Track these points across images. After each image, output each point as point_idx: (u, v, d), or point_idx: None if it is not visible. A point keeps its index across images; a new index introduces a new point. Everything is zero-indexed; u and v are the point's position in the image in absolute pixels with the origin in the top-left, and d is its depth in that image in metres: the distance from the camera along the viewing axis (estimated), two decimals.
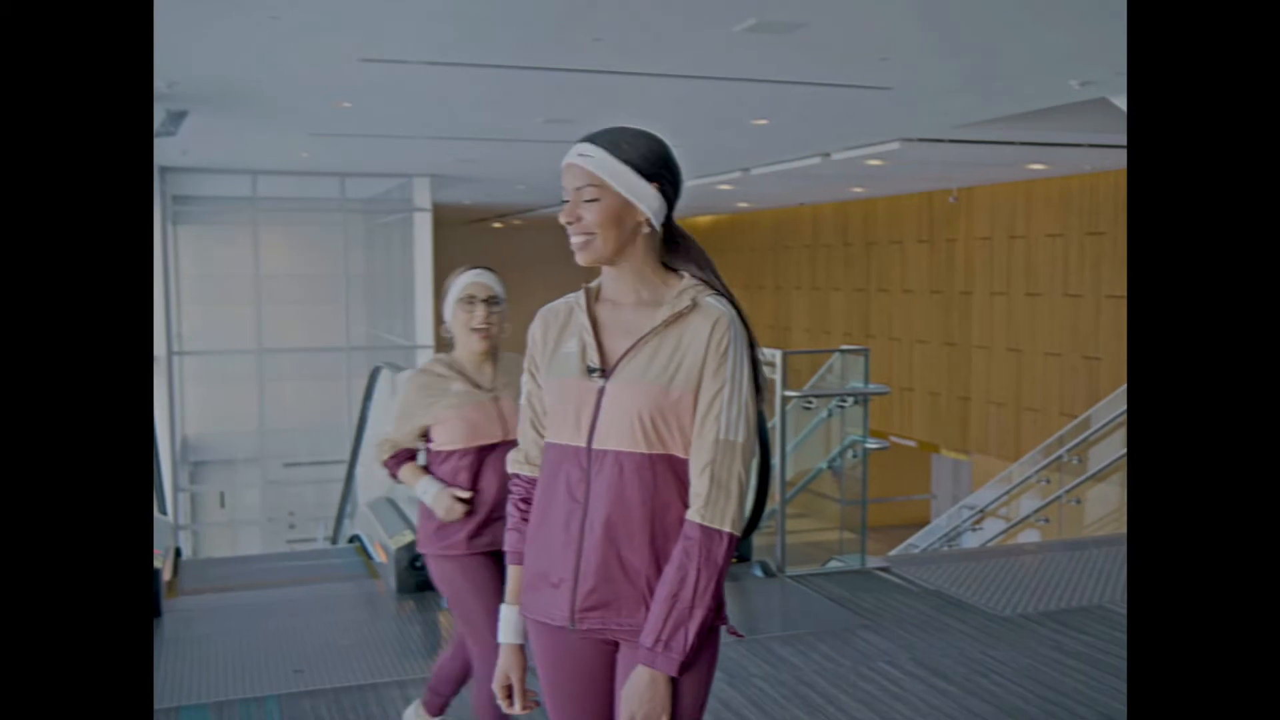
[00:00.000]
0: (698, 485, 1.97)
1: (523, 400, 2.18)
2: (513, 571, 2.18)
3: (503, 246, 22.55)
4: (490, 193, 15.64)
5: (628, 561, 2.00)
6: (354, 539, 7.46)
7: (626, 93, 7.43)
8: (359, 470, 8.73)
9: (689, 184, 14.06)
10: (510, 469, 2.22)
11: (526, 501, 2.17)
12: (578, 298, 2.11)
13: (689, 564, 1.96)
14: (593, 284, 2.13)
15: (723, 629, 2.07)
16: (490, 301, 3.23)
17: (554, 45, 6.15)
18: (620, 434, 1.99)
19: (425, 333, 13.37)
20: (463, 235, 21.93)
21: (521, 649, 2.16)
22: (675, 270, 2.07)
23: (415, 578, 5.51)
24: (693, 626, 1.96)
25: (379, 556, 6.26)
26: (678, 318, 2.01)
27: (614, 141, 2.00)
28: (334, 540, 8.51)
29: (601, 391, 2.01)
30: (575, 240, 2.01)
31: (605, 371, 2.02)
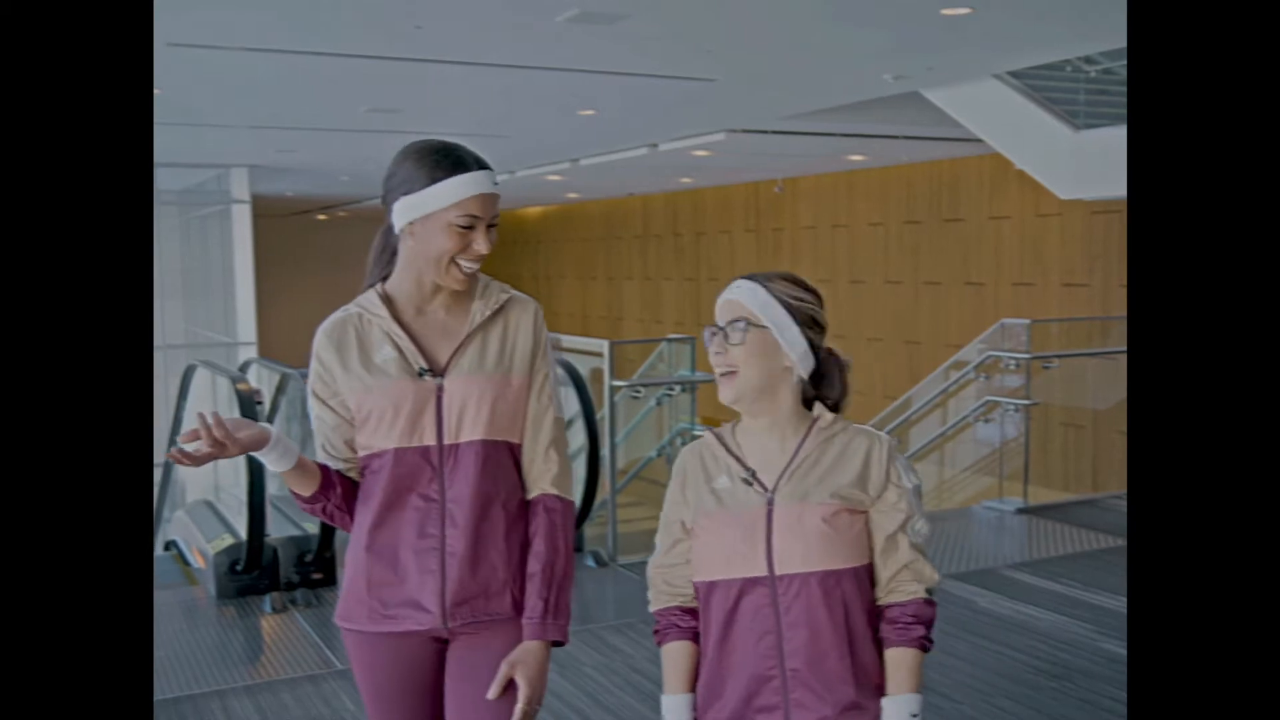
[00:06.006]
0: (544, 462, 2.09)
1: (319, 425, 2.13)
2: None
3: (328, 239, 21.98)
4: (313, 184, 15.18)
5: (490, 549, 2.05)
6: (170, 545, 7.15)
7: (451, 82, 7.31)
8: (176, 474, 8.37)
9: (520, 174, 13.94)
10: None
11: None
12: (369, 307, 2.08)
13: (557, 534, 2.07)
14: (378, 292, 2.09)
15: None
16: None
17: (375, 32, 5.99)
18: (471, 426, 2.03)
19: (247, 329, 12.87)
20: (286, 228, 21.26)
21: None
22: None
23: (236, 583, 5.31)
24: (568, 591, 2.08)
25: (197, 562, 6.02)
26: (497, 312, 2.08)
27: None
28: None
29: (440, 389, 2.02)
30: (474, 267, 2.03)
31: (435, 371, 2.04)
